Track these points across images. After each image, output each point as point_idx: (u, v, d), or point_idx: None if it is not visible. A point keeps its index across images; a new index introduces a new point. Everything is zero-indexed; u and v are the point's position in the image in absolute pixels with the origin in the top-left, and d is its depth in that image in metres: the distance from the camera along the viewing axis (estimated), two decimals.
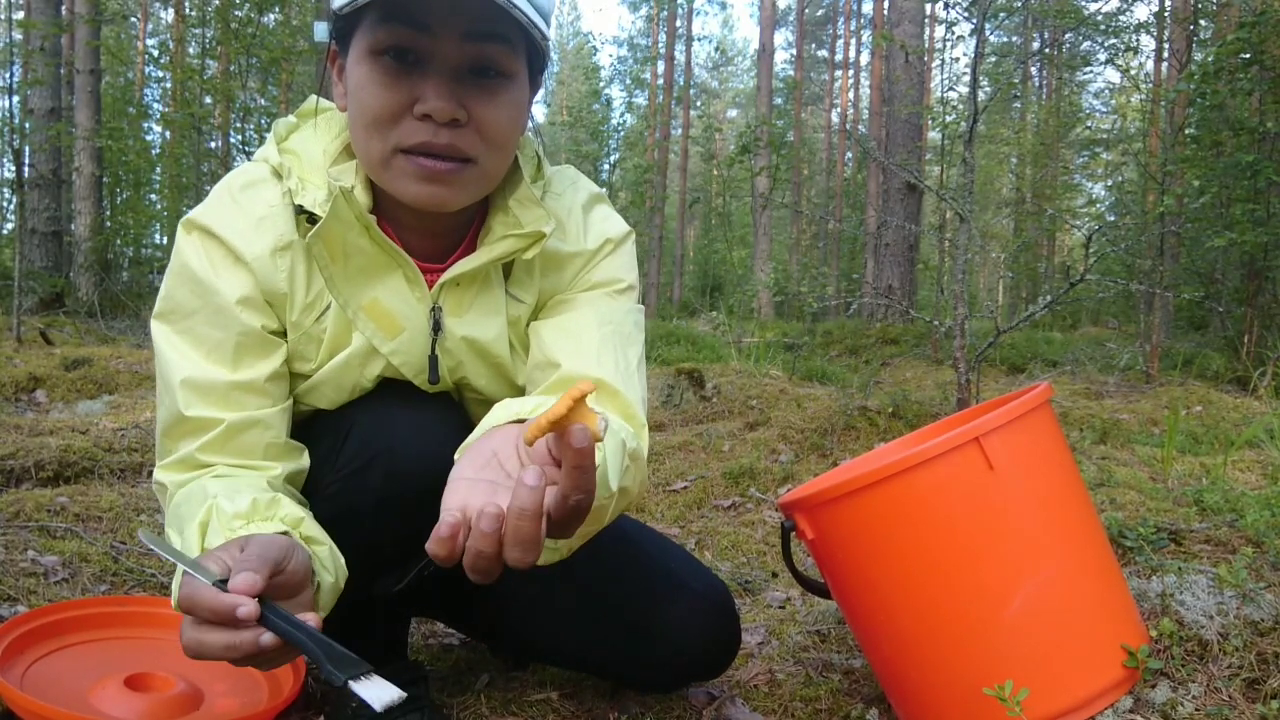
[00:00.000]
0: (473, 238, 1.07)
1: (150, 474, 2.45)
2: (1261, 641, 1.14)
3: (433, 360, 1.04)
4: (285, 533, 0.85)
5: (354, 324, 1.01)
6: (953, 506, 1.04)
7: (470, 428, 1.07)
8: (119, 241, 11.74)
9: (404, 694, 0.72)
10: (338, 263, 0.99)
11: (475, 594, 1.32)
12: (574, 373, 1.00)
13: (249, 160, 1.07)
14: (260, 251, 0.99)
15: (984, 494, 1.05)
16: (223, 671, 1.27)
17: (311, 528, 0.91)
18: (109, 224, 10.80)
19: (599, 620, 1.21)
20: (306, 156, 1.02)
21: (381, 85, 0.91)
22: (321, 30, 1.01)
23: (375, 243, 0.99)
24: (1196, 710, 1.07)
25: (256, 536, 0.81)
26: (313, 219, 0.98)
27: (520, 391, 1.10)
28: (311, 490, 1.03)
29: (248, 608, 0.73)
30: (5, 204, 14.11)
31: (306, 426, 1.07)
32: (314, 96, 1.09)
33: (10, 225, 13.58)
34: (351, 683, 0.72)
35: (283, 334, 1.03)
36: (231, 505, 0.86)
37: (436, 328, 1.03)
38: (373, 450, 1.00)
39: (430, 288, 1.03)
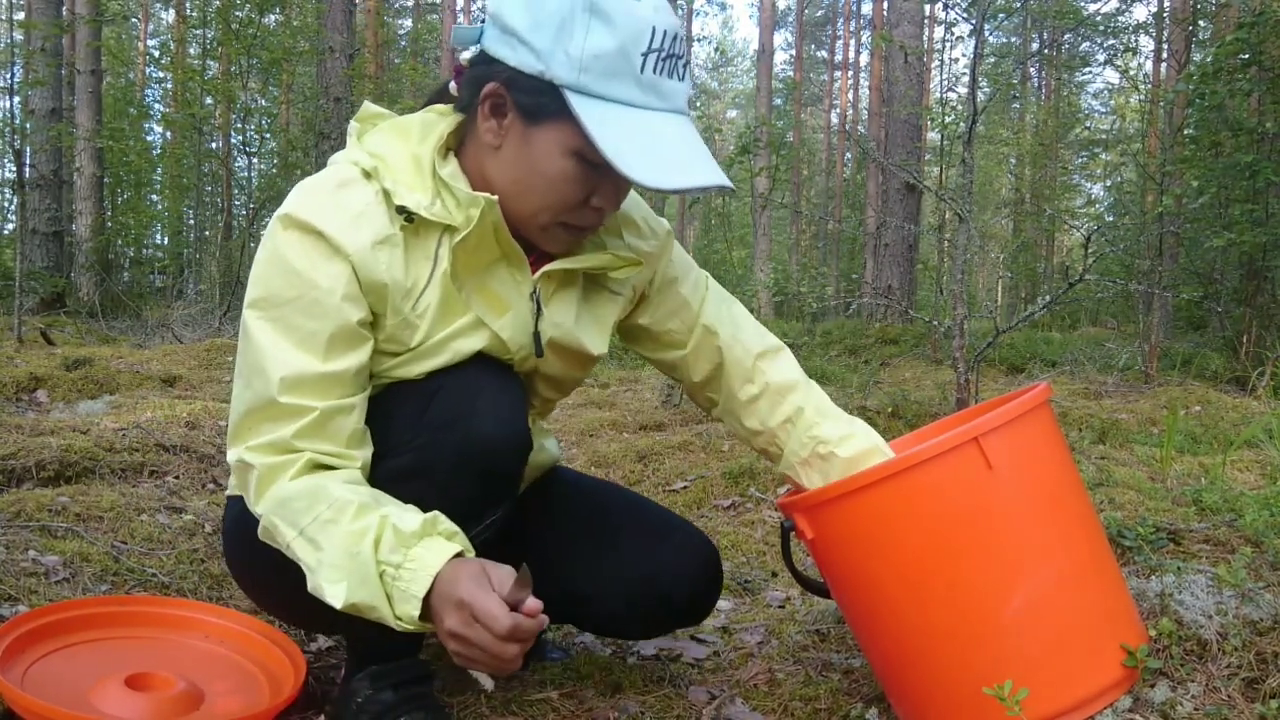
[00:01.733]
0: None
1: (151, 473, 2.46)
2: (1260, 641, 1.14)
3: (536, 336, 1.16)
4: (460, 553, 0.98)
5: (468, 303, 1.11)
6: (952, 506, 1.05)
7: (527, 411, 1.20)
8: (120, 242, 11.74)
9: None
10: (465, 256, 1.09)
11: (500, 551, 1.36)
12: (754, 352, 1.32)
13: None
14: (362, 244, 1.05)
15: (983, 494, 1.05)
16: (223, 671, 1.27)
17: (463, 539, 1.01)
18: (110, 224, 10.79)
19: (602, 553, 1.32)
20: (392, 161, 1.10)
21: (578, 183, 1.05)
22: (461, 36, 1.07)
23: (498, 241, 1.10)
24: (1195, 710, 1.07)
25: (489, 564, 0.96)
26: (409, 218, 1.07)
27: (581, 375, 1.29)
28: (388, 450, 1.10)
29: (547, 621, 0.93)
30: (6, 204, 14.11)
31: (385, 395, 1.13)
32: (368, 103, 1.18)
33: (11, 225, 13.58)
34: None
35: (373, 325, 1.10)
36: (406, 525, 0.97)
37: (538, 308, 1.15)
38: (458, 411, 1.08)
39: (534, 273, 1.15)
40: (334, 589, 0.98)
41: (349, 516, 0.98)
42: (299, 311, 1.05)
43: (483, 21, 1.08)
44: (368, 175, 1.08)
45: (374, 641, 1.17)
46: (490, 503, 1.14)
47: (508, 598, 0.91)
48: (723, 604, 1.79)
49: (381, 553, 0.96)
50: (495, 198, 1.06)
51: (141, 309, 8.50)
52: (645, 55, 0.99)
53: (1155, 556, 1.44)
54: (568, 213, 1.07)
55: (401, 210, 1.06)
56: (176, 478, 2.47)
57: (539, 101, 1.02)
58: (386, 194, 1.07)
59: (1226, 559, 1.41)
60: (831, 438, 1.24)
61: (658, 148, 0.99)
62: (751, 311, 1.48)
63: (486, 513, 1.14)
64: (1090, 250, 3.22)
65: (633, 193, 1.27)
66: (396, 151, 1.10)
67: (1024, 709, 1.01)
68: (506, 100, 1.04)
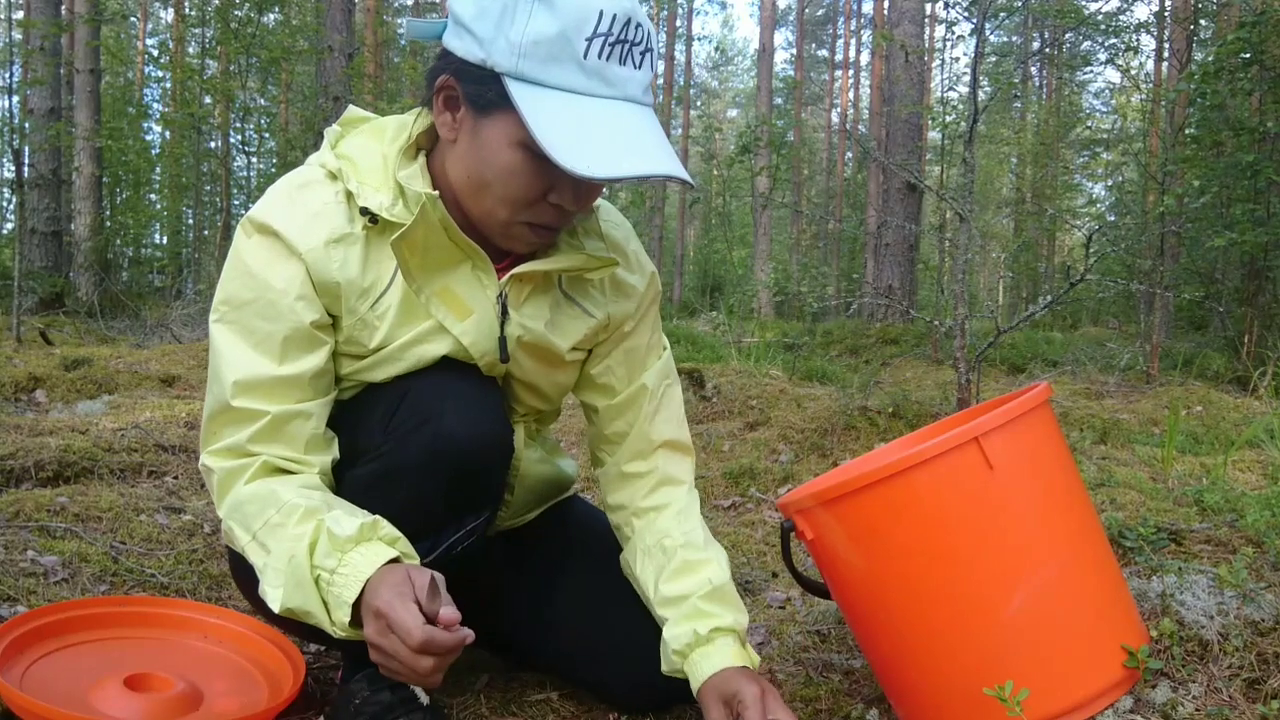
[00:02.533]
0: None
1: (150, 473, 2.45)
2: (1262, 641, 1.14)
3: (502, 341, 1.13)
4: (396, 558, 0.95)
5: (427, 307, 1.08)
6: (952, 506, 1.04)
7: (504, 410, 1.18)
8: (119, 241, 11.74)
9: None
10: (416, 257, 1.06)
11: (486, 604, 1.34)
12: (649, 436, 1.27)
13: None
14: (314, 243, 1.05)
15: (983, 494, 1.05)
16: (222, 671, 1.27)
17: (406, 545, 0.99)
18: (109, 224, 10.80)
19: (595, 634, 1.26)
20: (362, 162, 1.08)
21: (527, 175, 1.00)
22: (418, 29, 1.05)
23: (453, 241, 1.07)
24: (1197, 710, 1.07)
25: (416, 570, 0.92)
26: (373, 219, 1.05)
27: (566, 379, 1.24)
28: (357, 456, 1.10)
29: (471, 637, 0.89)
30: (5, 204, 14.11)
31: (354, 401, 1.13)
32: (353, 107, 1.16)
33: (10, 225, 13.57)
34: None
35: (330, 327, 1.09)
36: (341, 530, 0.95)
37: (504, 312, 1.12)
38: (425, 413, 1.07)
39: (499, 278, 1.12)
40: (274, 593, 0.97)
41: (294, 520, 0.98)
42: (256, 314, 1.05)
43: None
44: (333, 177, 1.08)
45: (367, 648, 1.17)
46: (468, 507, 1.12)
47: (425, 607, 0.88)
48: None
49: (316, 558, 0.94)
50: (436, 194, 1.03)
51: (140, 309, 8.49)
52: (590, 40, 0.94)
53: (1156, 557, 1.44)
54: (525, 209, 1.03)
55: (365, 211, 1.05)
56: (175, 478, 2.46)
57: (484, 92, 0.98)
58: (350, 195, 1.06)
59: (1228, 559, 1.41)
60: (677, 544, 1.21)
61: (596, 135, 0.94)
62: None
63: (466, 518, 1.12)
64: (1091, 250, 3.21)
65: (627, 223, 1.25)
66: (370, 153, 1.09)
67: (1024, 709, 1.01)
68: (458, 92, 1.02)
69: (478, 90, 0.99)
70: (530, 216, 1.04)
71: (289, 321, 1.05)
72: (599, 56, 0.95)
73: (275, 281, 1.04)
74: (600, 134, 0.94)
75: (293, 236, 1.04)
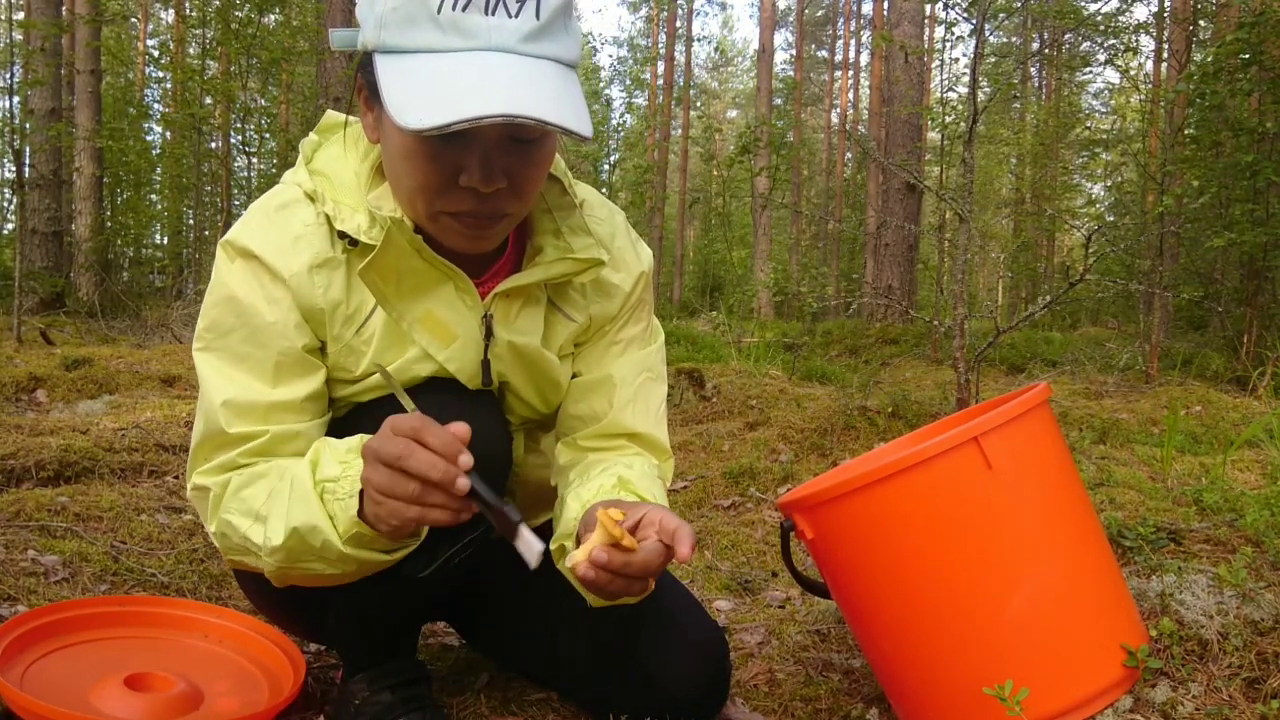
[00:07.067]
0: (512, 249, 1.13)
1: (150, 473, 2.45)
2: (1261, 641, 1.14)
3: (485, 365, 1.09)
4: None
5: (410, 335, 1.05)
6: (952, 506, 1.05)
7: (506, 422, 1.16)
8: (119, 242, 11.75)
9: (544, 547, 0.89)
10: (390, 284, 1.04)
11: (480, 612, 1.34)
12: (616, 424, 1.17)
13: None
14: (298, 269, 1.02)
15: (983, 493, 1.05)
16: (223, 671, 1.27)
17: None
18: (109, 224, 10.81)
19: (589, 651, 1.22)
20: (337, 179, 1.05)
21: (425, 158, 0.94)
22: (339, 39, 0.99)
23: (428, 262, 1.03)
24: (1196, 710, 1.07)
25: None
26: (353, 242, 1.02)
27: (557, 395, 1.19)
28: None
29: (468, 458, 0.86)
30: (6, 204, 14.11)
31: (346, 420, 1.10)
32: (331, 112, 1.13)
33: (11, 225, 13.58)
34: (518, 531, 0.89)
35: (320, 351, 1.06)
36: (341, 444, 0.95)
37: (488, 334, 1.08)
38: None
39: (482, 298, 1.08)
40: (275, 526, 0.94)
41: (296, 468, 0.96)
42: (243, 340, 1.03)
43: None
44: (310, 197, 1.05)
45: (366, 649, 1.16)
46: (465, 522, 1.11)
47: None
48: (722, 604, 1.79)
49: (319, 473, 0.93)
50: (401, 215, 1.00)
51: (141, 309, 8.48)
52: None
53: (1156, 556, 1.44)
54: (438, 197, 0.96)
55: (343, 235, 1.03)
56: (176, 478, 2.46)
57: (370, 78, 0.93)
58: (329, 217, 1.03)
59: (1227, 559, 1.41)
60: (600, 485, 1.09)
61: (442, 88, 0.86)
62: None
63: (463, 530, 1.08)
64: (1091, 250, 3.22)
65: (615, 217, 1.19)
66: (344, 168, 1.06)
67: (1024, 709, 1.01)
68: (366, 89, 0.98)
69: (365, 78, 0.96)
70: (446, 205, 0.97)
71: (278, 347, 1.02)
72: (453, 8, 0.88)
73: (261, 307, 1.02)
74: (448, 85, 0.86)
75: (275, 261, 1.01)
